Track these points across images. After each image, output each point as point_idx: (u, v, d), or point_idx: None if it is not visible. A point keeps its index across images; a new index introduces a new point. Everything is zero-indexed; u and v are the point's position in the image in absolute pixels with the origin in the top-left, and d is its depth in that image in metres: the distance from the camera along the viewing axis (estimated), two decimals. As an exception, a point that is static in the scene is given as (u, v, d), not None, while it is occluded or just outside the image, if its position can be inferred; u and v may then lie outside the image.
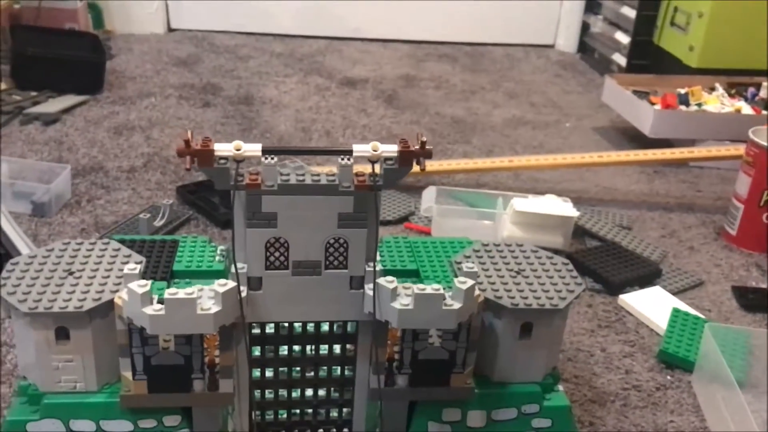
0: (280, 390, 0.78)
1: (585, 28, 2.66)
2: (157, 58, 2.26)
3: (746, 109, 1.82)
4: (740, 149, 1.46)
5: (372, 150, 0.68)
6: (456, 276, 0.79)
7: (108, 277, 0.74)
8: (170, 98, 1.94)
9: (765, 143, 1.34)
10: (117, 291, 0.71)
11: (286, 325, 0.74)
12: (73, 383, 0.73)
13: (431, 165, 1.54)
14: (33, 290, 0.71)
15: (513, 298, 0.76)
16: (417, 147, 0.69)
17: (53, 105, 1.79)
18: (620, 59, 2.35)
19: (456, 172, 1.57)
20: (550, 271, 0.82)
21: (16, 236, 1.11)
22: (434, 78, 2.29)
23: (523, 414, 0.80)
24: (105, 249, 0.79)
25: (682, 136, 1.75)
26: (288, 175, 0.68)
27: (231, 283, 0.67)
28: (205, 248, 0.88)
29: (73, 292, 0.71)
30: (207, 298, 0.67)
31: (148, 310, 0.65)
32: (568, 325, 1.11)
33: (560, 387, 0.82)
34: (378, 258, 0.72)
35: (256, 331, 0.74)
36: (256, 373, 0.76)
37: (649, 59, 2.24)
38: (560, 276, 0.81)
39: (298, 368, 0.77)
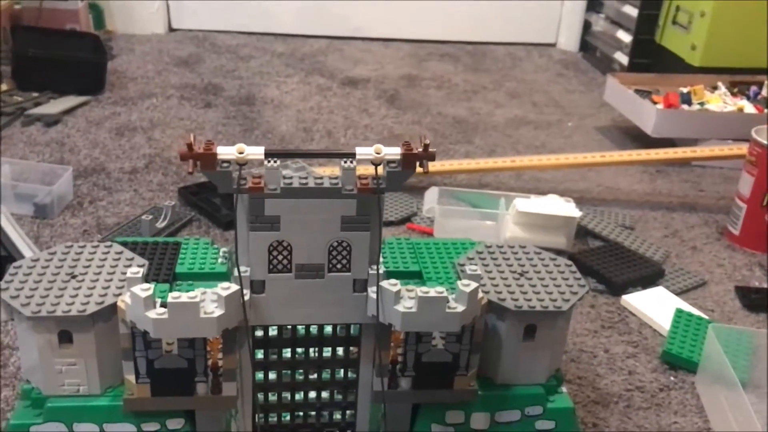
0: (284, 393, 0.78)
1: (587, 26, 2.65)
2: (158, 59, 2.26)
3: (749, 108, 1.81)
4: (743, 148, 1.45)
5: (375, 153, 0.68)
6: (459, 278, 0.79)
7: (111, 280, 0.74)
8: (172, 99, 1.94)
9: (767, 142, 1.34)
10: (120, 294, 0.70)
11: (290, 327, 0.74)
12: (77, 387, 0.73)
13: (433, 165, 1.52)
14: (36, 294, 0.71)
15: (516, 300, 0.76)
16: (420, 149, 0.69)
17: (54, 106, 1.79)
18: (622, 58, 2.35)
19: (458, 173, 1.57)
20: (554, 272, 0.82)
21: (18, 238, 1.11)
22: (436, 78, 2.29)
23: (527, 416, 0.79)
24: (108, 252, 0.79)
25: (684, 136, 1.75)
26: (291, 178, 0.67)
27: (234, 287, 0.67)
28: (208, 250, 0.88)
29: (76, 295, 0.71)
30: (210, 302, 0.67)
31: (152, 314, 0.65)
32: (571, 326, 1.11)
33: (564, 388, 0.82)
34: (381, 259, 0.72)
35: (259, 333, 0.74)
36: (260, 375, 0.76)
37: (650, 58, 2.24)
38: (563, 278, 0.81)
39: (301, 371, 0.77)
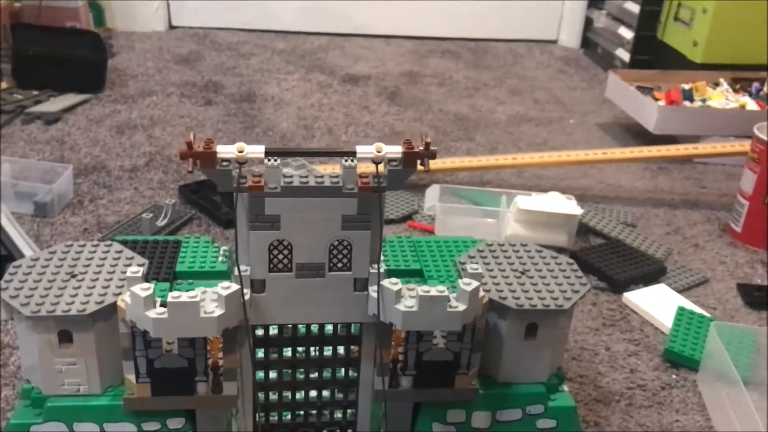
0: (284, 392, 0.78)
1: (588, 23, 2.65)
2: (158, 56, 2.26)
3: (751, 105, 1.81)
4: (745, 145, 1.45)
5: (376, 151, 0.67)
6: (460, 276, 0.79)
7: (111, 279, 0.74)
8: (172, 96, 1.94)
9: (770, 139, 1.33)
10: (120, 294, 0.70)
11: (290, 327, 0.74)
12: (77, 386, 0.73)
13: (434, 163, 1.52)
14: (35, 293, 0.71)
15: (518, 298, 0.76)
16: (421, 148, 0.68)
17: (55, 104, 1.79)
18: (623, 54, 2.34)
19: (459, 170, 1.57)
20: (555, 271, 0.81)
21: (18, 237, 1.10)
22: (437, 74, 2.29)
23: (528, 415, 0.79)
24: (107, 251, 0.79)
25: (686, 133, 1.74)
26: (291, 177, 0.67)
27: (234, 286, 0.66)
28: (208, 249, 0.87)
29: (76, 295, 0.71)
30: (210, 301, 0.66)
31: (151, 313, 0.64)
32: (573, 324, 1.10)
33: (565, 387, 0.82)
34: (382, 258, 0.71)
35: (260, 333, 0.74)
36: (260, 375, 0.76)
37: (652, 55, 2.23)
38: (565, 276, 0.80)
39: (301, 370, 0.77)
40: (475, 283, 0.69)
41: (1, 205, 1.16)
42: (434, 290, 0.68)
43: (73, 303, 0.70)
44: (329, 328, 0.75)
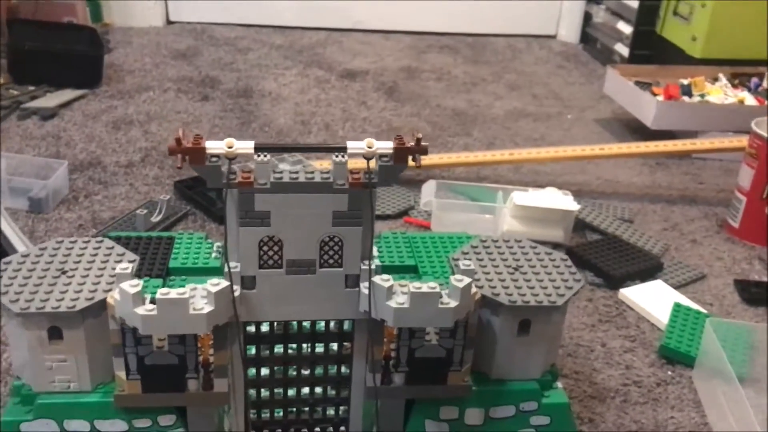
0: (276, 389, 0.77)
1: (587, 18, 2.64)
2: (155, 52, 2.25)
3: (749, 100, 1.80)
4: (743, 141, 1.44)
5: (366, 147, 0.67)
6: (454, 273, 0.79)
7: (101, 276, 0.73)
8: (169, 92, 1.93)
9: (768, 135, 1.33)
10: (110, 290, 0.70)
11: (282, 323, 0.74)
12: (67, 383, 0.72)
13: (431, 158, 1.52)
14: (25, 290, 0.70)
15: (510, 295, 0.75)
16: (412, 143, 0.68)
17: (51, 99, 1.79)
18: (622, 49, 2.33)
19: (456, 166, 1.56)
20: (549, 267, 0.81)
21: (12, 233, 1.10)
22: (435, 70, 2.28)
23: (522, 411, 0.79)
24: (98, 247, 0.78)
25: (684, 128, 1.73)
26: (281, 172, 0.67)
27: (224, 283, 0.66)
28: (201, 245, 0.87)
29: (66, 291, 0.71)
30: (200, 298, 0.66)
31: (140, 310, 0.64)
32: (568, 320, 1.10)
33: (559, 384, 0.81)
34: (376, 253, 0.71)
35: (251, 329, 0.74)
36: (252, 371, 0.76)
37: (651, 49, 2.23)
38: (558, 272, 0.80)
39: (294, 367, 0.77)
40: (467, 280, 0.69)
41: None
42: (426, 287, 0.68)
43: (63, 300, 0.69)
44: (321, 325, 0.75)
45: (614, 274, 1.20)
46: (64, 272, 0.74)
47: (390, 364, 0.74)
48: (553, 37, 2.71)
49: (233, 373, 0.73)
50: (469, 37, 2.64)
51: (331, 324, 0.75)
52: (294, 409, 0.79)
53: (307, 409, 0.79)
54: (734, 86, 1.88)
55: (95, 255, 0.77)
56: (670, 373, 1.02)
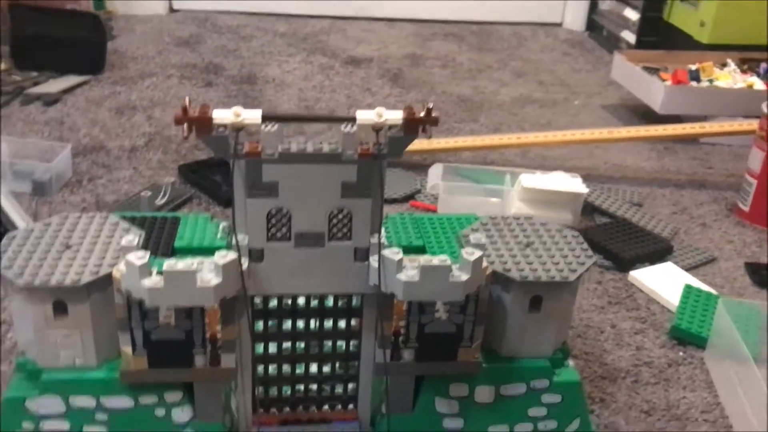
0: (284, 365, 0.76)
1: (593, 5, 2.62)
2: (158, 39, 2.24)
3: (759, 85, 1.78)
4: (753, 124, 1.43)
5: (376, 117, 0.66)
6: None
7: (106, 250, 0.72)
8: (172, 78, 1.92)
9: (779, 117, 1.31)
10: (115, 264, 0.69)
11: (290, 298, 0.73)
12: (72, 359, 0.71)
13: (437, 142, 1.51)
14: (30, 264, 0.69)
15: (522, 270, 0.74)
16: (423, 114, 0.66)
17: (54, 85, 1.77)
18: (629, 36, 2.31)
19: (462, 150, 1.54)
20: (560, 243, 0.80)
21: (16, 215, 1.09)
22: (440, 57, 2.26)
23: (533, 389, 0.78)
24: (103, 223, 0.77)
25: (693, 113, 1.72)
26: (289, 143, 0.65)
27: (232, 255, 0.65)
28: (207, 225, 0.86)
29: (71, 265, 0.70)
30: (207, 270, 0.65)
31: (147, 282, 0.63)
32: (578, 302, 1.09)
33: (570, 362, 0.80)
34: (383, 234, 0.70)
35: (259, 303, 0.72)
36: (259, 348, 0.75)
37: (658, 36, 2.20)
38: (570, 248, 0.79)
39: (302, 343, 0.75)
40: (478, 253, 0.68)
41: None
42: (436, 260, 0.67)
43: (67, 273, 0.68)
44: (330, 300, 0.74)
45: (624, 257, 1.19)
46: (68, 247, 0.73)
47: (399, 340, 0.73)
48: (559, 24, 2.69)
49: (241, 348, 0.72)
50: (474, 24, 2.62)
51: (340, 299, 0.74)
52: (302, 386, 0.78)
53: (315, 386, 0.78)
54: (743, 71, 1.86)
55: (100, 230, 0.76)
56: (681, 353, 1.01)
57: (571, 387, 0.78)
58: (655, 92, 1.72)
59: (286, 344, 0.75)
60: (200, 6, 2.54)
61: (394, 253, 0.67)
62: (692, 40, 2.02)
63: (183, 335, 0.68)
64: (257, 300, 0.72)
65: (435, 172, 1.39)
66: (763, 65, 1.86)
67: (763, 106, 1.35)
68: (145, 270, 0.63)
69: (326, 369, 0.77)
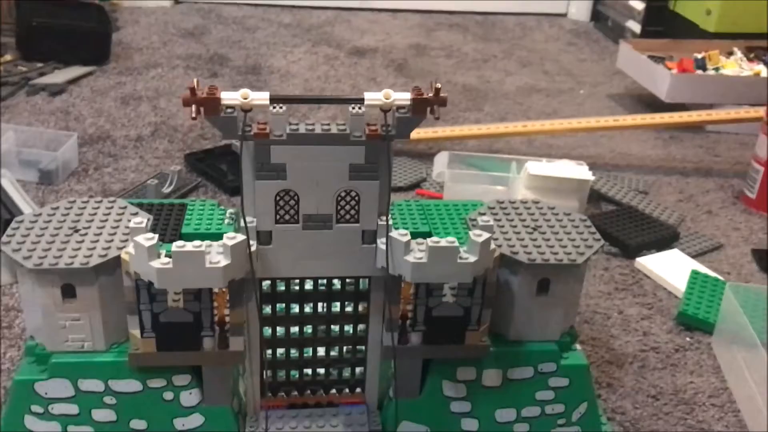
0: (292, 349, 0.76)
1: (598, -5, 2.61)
2: (163, 30, 2.24)
3: (765, 73, 1.77)
4: (760, 111, 1.42)
5: (384, 98, 0.65)
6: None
7: (114, 234, 0.72)
8: (177, 69, 1.92)
9: (786, 103, 1.31)
10: (124, 247, 0.69)
11: (298, 281, 0.73)
12: (81, 342, 0.71)
13: (443, 131, 1.51)
14: (38, 247, 0.69)
15: (530, 253, 0.74)
16: (431, 95, 0.66)
17: (59, 76, 1.78)
18: (635, 26, 2.30)
19: (468, 138, 1.54)
20: (568, 227, 0.79)
21: (23, 202, 1.09)
22: (445, 47, 2.26)
23: (540, 373, 0.78)
24: (111, 207, 0.77)
25: (699, 101, 1.71)
26: (297, 124, 0.65)
27: (240, 237, 0.65)
28: (214, 211, 0.86)
29: (79, 248, 0.70)
30: (216, 252, 0.65)
31: (156, 263, 0.63)
32: (585, 288, 1.08)
33: (578, 346, 0.80)
34: (390, 214, 0.69)
35: (267, 286, 0.72)
36: (267, 331, 0.75)
37: (664, 25, 2.20)
38: (578, 232, 0.79)
39: (309, 326, 0.75)
40: (486, 235, 0.67)
41: (6, 172, 1.15)
42: (444, 241, 0.67)
43: (76, 256, 0.69)
44: (337, 283, 0.74)
45: (630, 243, 1.19)
46: (77, 230, 0.73)
47: (407, 323, 0.73)
48: (564, 15, 2.68)
49: (249, 332, 0.72)
50: (479, 15, 2.61)
51: (347, 283, 0.74)
52: (310, 370, 0.78)
53: (323, 370, 0.78)
54: (750, 60, 1.85)
55: (108, 214, 0.76)
56: (688, 339, 1.01)
57: (578, 370, 0.78)
58: (661, 81, 1.72)
59: (294, 328, 0.75)
60: (204, -3, 2.54)
61: (401, 235, 0.67)
62: (698, 28, 2.01)
63: (191, 318, 0.68)
64: (265, 283, 0.72)
65: (441, 160, 1.39)
66: (770, 53, 1.85)
67: (771, 93, 1.35)
68: (153, 251, 0.63)
69: (334, 353, 0.77)
